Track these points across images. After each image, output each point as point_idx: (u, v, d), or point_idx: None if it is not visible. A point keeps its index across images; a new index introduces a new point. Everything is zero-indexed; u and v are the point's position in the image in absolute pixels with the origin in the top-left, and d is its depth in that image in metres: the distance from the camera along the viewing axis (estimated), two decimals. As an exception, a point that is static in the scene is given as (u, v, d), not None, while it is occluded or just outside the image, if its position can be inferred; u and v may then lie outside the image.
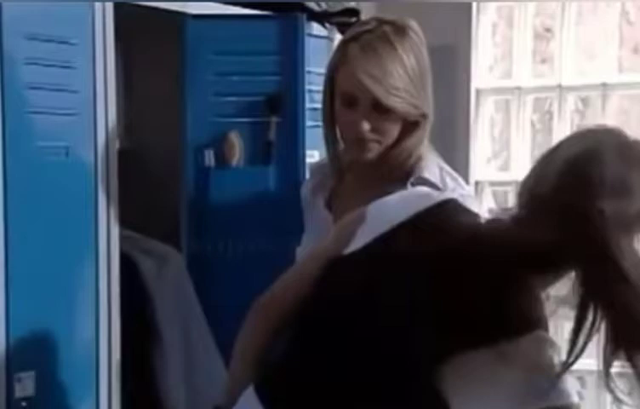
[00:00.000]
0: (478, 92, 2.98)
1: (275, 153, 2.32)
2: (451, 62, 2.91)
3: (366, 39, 1.69)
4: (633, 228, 1.19)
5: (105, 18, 1.95)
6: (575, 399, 1.25)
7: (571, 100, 2.90)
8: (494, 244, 1.23)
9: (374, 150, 1.70)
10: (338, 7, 2.62)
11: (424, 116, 1.71)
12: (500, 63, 3.00)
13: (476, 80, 2.98)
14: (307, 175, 2.05)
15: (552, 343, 1.22)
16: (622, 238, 1.17)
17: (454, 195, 1.70)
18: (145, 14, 2.12)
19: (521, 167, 2.95)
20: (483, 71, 2.99)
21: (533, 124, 2.96)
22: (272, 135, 2.33)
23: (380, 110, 1.66)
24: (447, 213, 1.31)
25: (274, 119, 2.33)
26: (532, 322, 1.20)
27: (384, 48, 1.67)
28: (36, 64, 1.76)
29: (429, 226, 1.28)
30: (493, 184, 3.01)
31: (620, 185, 1.19)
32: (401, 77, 1.66)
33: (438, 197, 1.36)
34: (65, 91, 1.84)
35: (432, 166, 1.76)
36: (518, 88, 2.95)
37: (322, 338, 1.27)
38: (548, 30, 2.92)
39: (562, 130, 2.91)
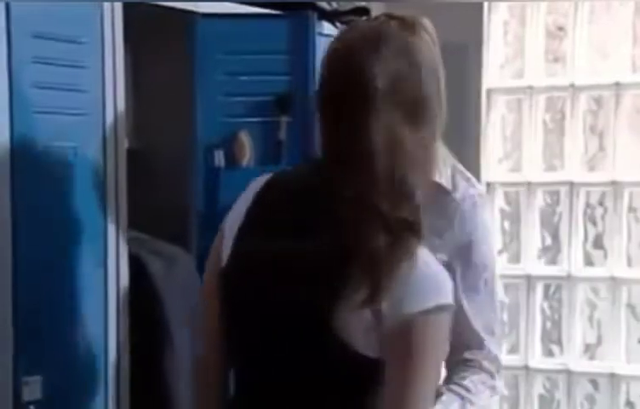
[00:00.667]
0: (489, 92, 2.96)
1: (285, 153, 2.30)
2: (462, 61, 2.89)
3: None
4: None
5: (113, 17, 1.93)
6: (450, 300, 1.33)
7: (584, 100, 2.87)
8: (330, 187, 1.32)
9: None
10: (348, 6, 2.61)
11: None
12: (512, 62, 2.97)
13: (487, 80, 2.95)
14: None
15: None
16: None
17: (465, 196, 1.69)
18: (155, 13, 2.11)
19: (533, 168, 2.93)
20: (495, 70, 2.96)
21: (545, 124, 2.93)
22: (283, 134, 2.31)
23: None
24: (269, 180, 1.44)
25: (284, 119, 2.31)
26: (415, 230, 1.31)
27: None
28: (44, 63, 1.74)
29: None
30: (504, 185, 2.98)
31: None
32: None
33: (265, 176, 1.46)
34: (73, 91, 1.83)
35: (444, 167, 1.74)
36: (530, 87, 2.92)
37: (245, 328, 1.41)
38: (561, 28, 2.89)
39: (574, 130, 2.88)
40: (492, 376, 1.73)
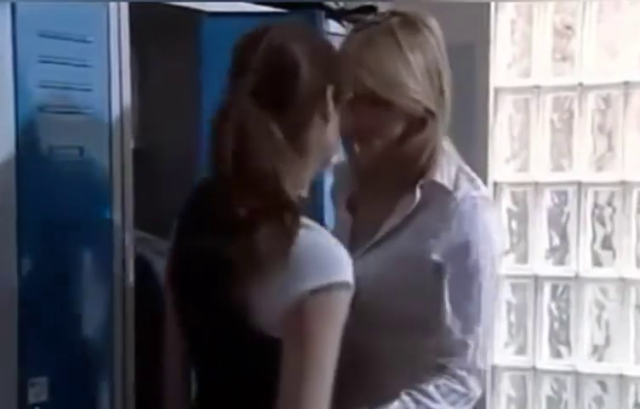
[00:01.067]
0: (497, 91, 2.93)
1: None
2: (469, 61, 2.86)
3: (368, 31, 1.66)
4: None
5: (120, 16, 1.92)
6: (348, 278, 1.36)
7: (592, 99, 2.84)
8: None
9: (375, 147, 1.66)
10: (355, 4, 2.59)
11: (431, 113, 1.65)
12: (519, 61, 2.94)
13: (494, 79, 2.92)
14: (330, 176, 2.02)
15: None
16: None
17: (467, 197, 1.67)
18: (161, 12, 2.10)
19: (540, 168, 2.91)
20: (502, 69, 2.94)
21: (553, 124, 2.90)
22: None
23: (376, 103, 1.62)
24: (200, 182, 1.54)
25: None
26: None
27: (384, 40, 1.63)
28: (49, 62, 1.73)
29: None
30: (512, 185, 2.96)
31: None
32: (398, 71, 1.62)
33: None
34: (79, 90, 1.81)
35: (448, 167, 1.71)
36: (538, 87, 2.90)
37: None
38: (568, 27, 2.87)
39: (582, 130, 2.85)
40: (466, 385, 1.65)
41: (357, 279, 1.44)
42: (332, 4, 2.50)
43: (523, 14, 2.93)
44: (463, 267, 1.66)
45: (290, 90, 1.40)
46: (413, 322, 1.68)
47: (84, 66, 1.82)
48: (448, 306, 1.65)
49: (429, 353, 1.66)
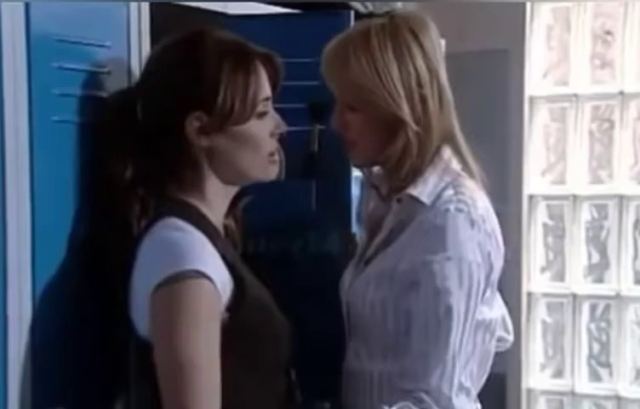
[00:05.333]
0: (532, 100, 2.87)
1: (318, 166, 2.17)
2: (503, 68, 2.81)
3: (346, 34, 1.67)
4: None
5: (140, 18, 1.81)
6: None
7: (634, 108, 2.78)
8: None
9: (355, 150, 1.68)
10: (384, 8, 2.49)
11: (401, 122, 1.60)
12: (556, 69, 2.88)
13: (529, 87, 2.85)
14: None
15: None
16: None
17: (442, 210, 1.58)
18: (182, 15, 2.00)
19: (578, 180, 2.83)
20: (537, 77, 2.87)
21: (591, 134, 2.82)
22: (315, 146, 2.18)
23: (350, 107, 1.65)
24: None
25: (317, 129, 2.18)
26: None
27: (357, 44, 1.62)
28: (66, 69, 1.62)
29: None
30: (547, 198, 2.90)
31: None
32: (364, 74, 1.60)
33: None
34: (96, 98, 1.70)
35: (433, 177, 1.63)
36: (575, 95, 2.83)
37: None
38: (609, 32, 2.80)
39: (623, 140, 2.77)
40: None
41: (353, 298, 1.59)
42: (360, 7, 2.40)
43: (560, 19, 2.86)
44: (431, 287, 1.56)
45: None
46: (387, 344, 1.63)
47: (103, 72, 1.71)
48: (414, 327, 1.56)
49: (395, 375, 1.59)
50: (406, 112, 1.60)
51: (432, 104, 1.62)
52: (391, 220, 1.67)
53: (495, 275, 1.64)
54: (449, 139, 1.66)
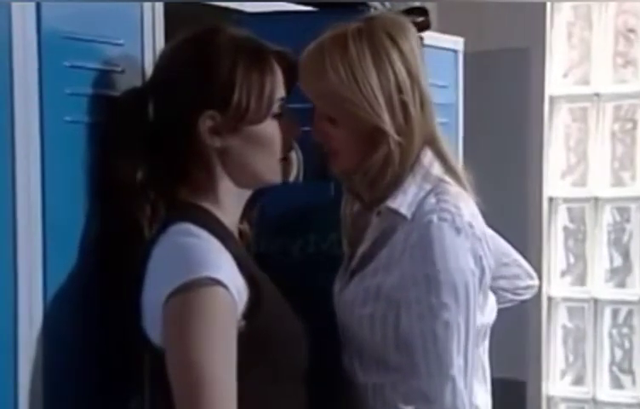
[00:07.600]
0: (552, 99, 2.83)
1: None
2: (523, 66, 2.78)
3: (321, 40, 1.60)
4: None
5: (154, 17, 1.77)
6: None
7: (657, 108, 2.71)
8: None
9: (336, 159, 1.63)
10: (402, 6, 2.44)
11: (382, 133, 1.55)
12: (577, 67, 2.85)
13: (550, 86, 2.81)
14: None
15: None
16: None
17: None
18: (199, 13, 1.96)
19: (600, 182, 2.78)
20: (558, 76, 2.83)
21: (613, 134, 2.78)
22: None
23: (327, 117, 1.60)
24: None
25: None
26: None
27: (334, 52, 1.57)
28: (78, 67, 1.58)
29: None
30: (567, 201, 2.86)
31: None
32: (343, 84, 1.55)
33: None
34: (110, 97, 1.66)
35: (412, 187, 1.58)
36: (597, 94, 2.79)
37: None
38: (631, 30, 2.76)
39: (647, 141, 2.72)
40: None
41: (342, 311, 1.57)
42: (378, 5, 2.35)
43: (582, 17, 2.82)
44: (425, 305, 1.51)
45: None
46: (378, 358, 1.58)
47: (115, 71, 1.67)
48: (415, 350, 1.52)
49: (390, 395, 1.55)
50: (387, 122, 1.55)
51: (414, 110, 1.58)
52: (372, 232, 1.63)
53: (488, 279, 1.59)
54: (430, 142, 1.61)
